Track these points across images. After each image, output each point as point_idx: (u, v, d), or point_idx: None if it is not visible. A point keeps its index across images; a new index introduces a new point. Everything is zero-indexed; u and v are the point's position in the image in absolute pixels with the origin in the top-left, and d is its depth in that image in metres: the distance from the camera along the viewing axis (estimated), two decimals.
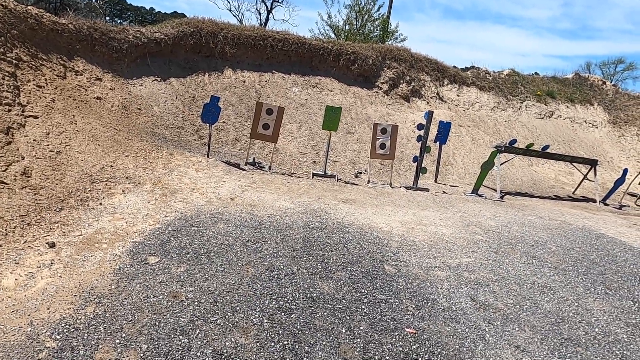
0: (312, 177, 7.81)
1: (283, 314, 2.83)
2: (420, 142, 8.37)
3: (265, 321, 2.71)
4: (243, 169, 7.20)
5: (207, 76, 9.79)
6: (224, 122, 9.05)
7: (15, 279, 2.83)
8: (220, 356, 2.34)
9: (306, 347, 2.52)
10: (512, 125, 14.38)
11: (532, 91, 16.11)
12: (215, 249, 3.69)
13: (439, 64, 14.32)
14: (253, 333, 2.58)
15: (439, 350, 2.66)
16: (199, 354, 2.33)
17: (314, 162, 9.09)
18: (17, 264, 3.01)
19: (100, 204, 4.38)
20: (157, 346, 2.35)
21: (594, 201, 10.01)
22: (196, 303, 2.81)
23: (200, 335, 2.49)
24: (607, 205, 9.98)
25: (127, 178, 5.18)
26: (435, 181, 9.57)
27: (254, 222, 4.49)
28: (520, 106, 15.33)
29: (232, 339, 2.50)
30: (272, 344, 2.50)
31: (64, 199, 4.16)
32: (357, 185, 7.81)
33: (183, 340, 2.42)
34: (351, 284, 3.39)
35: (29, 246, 3.27)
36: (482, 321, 3.09)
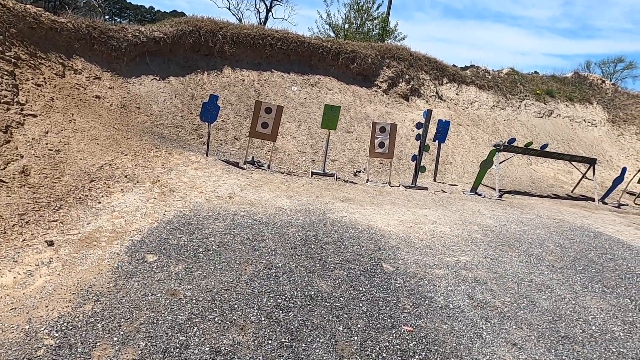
0: (311, 176, 7.82)
1: (281, 311, 2.84)
2: (419, 141, 8.38)
3: (263, 319, 2.72)
4: (242, 168, 7.21)
5: (206, 75, 9.79)
6: (223, 120, 9.05)
7: (14, 277, 2.83)
8: (217, 354, 2.35)
9: (304, 345, 2.53)
10: (511, 124, 14.39)
11: (532, 90, 16.11)
12: (213, 247, 3.70)
13: (438, 62, 14.31)
14: (251, 331, 2.59)
15: (435, 347, 2.67)
16: (196, 351, 2.34)
17: (313, 160, 9.10)
18: (16, 262, 3.02)
19: (99, 202, 4.39)
20: (154, 344, 2.36)
21: (593, 200, 10.03)
22: (194, 301, 2.82)
23: (198, 332, 2.50)
24: (606, 204, 9.99)
25: (126, 177, 5.19)
26: (434, 180, 9.58)
27: (252, 221, 4.50)
28: (520, 105, 15.33)
29: (230, 336, 2.51)
30: (270, 342, 2.51)
31: (62, 198, 4.17)
32: (356, 184, 7.82)
33: (181, 338, 2.43)
34: (349, 282, 3.40)
35: (27, 244, 3.28)
36: (479, 319, 3.11)
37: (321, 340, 2.59)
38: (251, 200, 5.29)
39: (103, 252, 3.36)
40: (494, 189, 8.96)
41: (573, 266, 4.54)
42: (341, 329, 2.74)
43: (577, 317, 3.36)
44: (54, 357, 2.16)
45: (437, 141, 9.61)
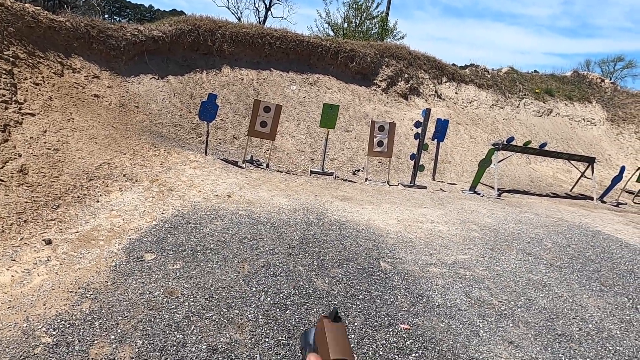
0: (310, 175, 7.82)
1: (278, 310, 2.84)
2: (418, 139, 8.38)
3: (261, 317, 2.73)
4: (241, 167, 7.21)
5: (205, 74, 9.78)
6: (221, 119, 9.05)
7: (12, 276, 2.84)
8: (214, 352, 2.35)
9: None
10: (510, 123, 14.39)
11: (531, 89, 16.11)
12: (211, 245, 3.70)
13: (438, 61, 14.31)
14: (248, 329, 2.60)
15: (432, 345, 2.68)
16: (193, 349, 2.35)
17: (312, 159, 9.10)
18: (14, 260, 3.02)
19: (97, 201, 4.39)
20: (152, 342, 2.36)
21: (592, 199, 10.04)
22: (192, 299, 2.83)
23: (195, 330, 2.51)
24: (605, 202, 10.01)
25: (124, 176, 5.19)
26: (433, 179, 9.58)
27: (250, 220, 4.51)
28: (519, 104, 15.33)
29: (227, 334, 2.51)
30: (267, 340, 2.51)
31: (60, 197, 4.17)
32: (355, 182, 7.82)
33: (178, 336, 2.44)
34: (347, 281, 3.40)
35: (25, 243, 3.28)
36: (476, 317, 3.11)
37: None
38: (250, 199, 5.30)
39: (101, 250, 3.37)
40: (493, 188, 8.97)
41: (571, 265, 4.55)
42: None
43: (574, 316, 3.37)
44: (51, 355, 2.17)
45: (436, 140, 9.61)
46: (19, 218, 3.55)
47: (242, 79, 10.26)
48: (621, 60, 32.13)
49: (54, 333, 2.34)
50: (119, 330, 2.42)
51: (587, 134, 15.89)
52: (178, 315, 2.63)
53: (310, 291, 3.14)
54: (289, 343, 2.51)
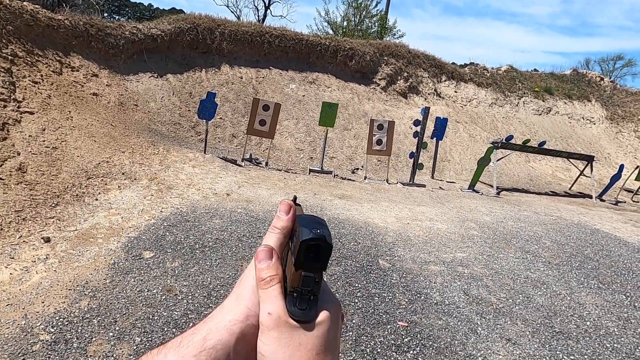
0: (309, 173, 7.82)
1: None
2: (417, 138, 8.38)
3: None
4: (240, 165, 7.21)
5: (204, 72, 9.78)
6: (220, 118, 9.05)
7: (10, 274, 2.84)
8: None
9: None
10: (509, 121, 14.39)
11: (530, 87, 16.11)
12: (210, 244, 3.71)
13: (437, 60, 14.30)
14: None
15: (430, 343, 2.69)
16: None
17: (311, 158, 9.10)
18: (12, 258, 3.02)
19: (96, 199, 4.39)
20: (150, 339, 2.37)
21: (591, 197, 10.05)
22: (190, 297, 2.83)
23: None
24: (604, 201, 10.02)
25: (123, 174, 5.19)
26: (432, 177, 9.59)
27: (249, 218, 4.51)
28: (518, 102, 15.33)
29: None
30: None
31: (59, 195, 4.17)
32: (354, 181, 7.83)
33: (176, 334, 2.44)
34: (345, 279, 3.41)
35: (24, 241, 3.28)
36: (474, 315, 3.12)
37: None
38: (248, 198, 5.30)
39: (100, 248, 3.37)
40: (492, 186, 8.98)
41: (569, 263, 4.56)
42: None
43: (572, 313, 3.38)
44: (49, 353, 2.17)
45: (435, 138, 9.62)
46: (18, 216, 3.55)
47: (241, 78, 10.25)
48: (621, 59, 32.13)
49: (52, 330, 2.34)
50: (117, 328, 2.43)
51: (586, 132, 15.90)
52: (176, 313, 2.63)
53: None
54: None
